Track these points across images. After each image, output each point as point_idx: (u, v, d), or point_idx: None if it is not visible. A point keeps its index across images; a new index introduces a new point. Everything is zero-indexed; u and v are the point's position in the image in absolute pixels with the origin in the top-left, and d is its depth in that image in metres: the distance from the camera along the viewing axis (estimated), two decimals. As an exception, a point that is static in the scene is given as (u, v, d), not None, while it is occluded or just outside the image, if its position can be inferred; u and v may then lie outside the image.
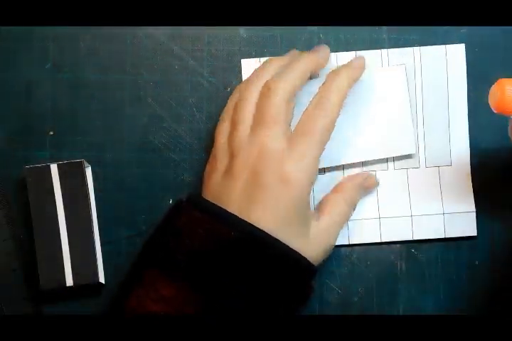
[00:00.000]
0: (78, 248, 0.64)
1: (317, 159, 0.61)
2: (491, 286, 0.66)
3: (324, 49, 0.65)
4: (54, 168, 0.64)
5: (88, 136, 0.67)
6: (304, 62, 0.63)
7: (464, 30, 0.67)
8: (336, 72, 0.63)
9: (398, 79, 0.66)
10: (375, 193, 0.67)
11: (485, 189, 0.67)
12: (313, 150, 0.61)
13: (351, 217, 0.66)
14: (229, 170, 0.61)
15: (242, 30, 0.68)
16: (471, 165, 0.67)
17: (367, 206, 0.67)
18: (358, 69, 0.64)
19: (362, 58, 0.65)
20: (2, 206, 0.66)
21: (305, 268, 0.60)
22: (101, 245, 0.66)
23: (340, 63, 0.66)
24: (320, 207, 0.64)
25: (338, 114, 0.62)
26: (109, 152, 0.67)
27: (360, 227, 0.66)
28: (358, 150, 0.66)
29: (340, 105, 0.62)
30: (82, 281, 0.64)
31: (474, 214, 0.66)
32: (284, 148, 0.60)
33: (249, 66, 0.67)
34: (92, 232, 0.64)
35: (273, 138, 0.60)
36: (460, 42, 0.67)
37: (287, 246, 0.59)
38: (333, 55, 0.67)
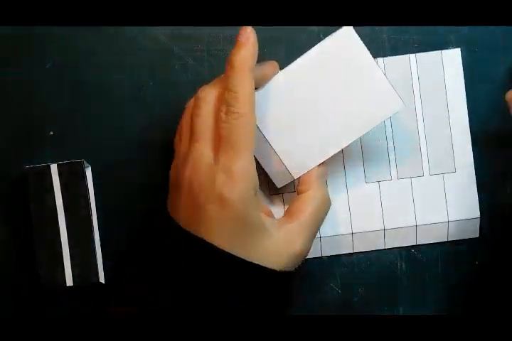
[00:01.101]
0: (78, 248, 0.64)
1: (249, 168, 0.56)
2: (491, 286, 0.66)
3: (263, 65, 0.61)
4: (54, 168, 0.64)
5: (88, 136, 0.67)
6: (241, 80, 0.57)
7: (464, 30, 0.67)
8: (228, 61, 0.58)
9: (351, 41, 0.61)
10: (379, 204, 0.66)
11: (486, 191, 0.67)
12: (241, 161, 0.56)
13: (356, 230, 0.66)
14: (174, 186, 0.60)
15: (242, 30, 0.68)
16: (475, 169, 0.66)
17: (371, 217, 0.66)
18: (247, 45, 0.57)
19: (246, 30, 0.58)
20: (2, 206, 0.66)
21: (267, 276, 0.58)
22: (101, 245, 0.66)
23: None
24: (287, 211, 0.61)
25: (252, 106, 0.56)
26: (109, 152, 0.67)
27: (364, 238, 0.66)
28: (349, 130, 0.61)
29: (250, 93, 0.57)
30: (82, 281, 0.64)
31: (478, 220, 0.66)
32: (213, 163, 0.57)
33: None
34: (92, 232, 0.64)
35: (203, 153, 0.57)
36: (460, 42, 0.67)
37: (241, 259, 0.56)
38: None
